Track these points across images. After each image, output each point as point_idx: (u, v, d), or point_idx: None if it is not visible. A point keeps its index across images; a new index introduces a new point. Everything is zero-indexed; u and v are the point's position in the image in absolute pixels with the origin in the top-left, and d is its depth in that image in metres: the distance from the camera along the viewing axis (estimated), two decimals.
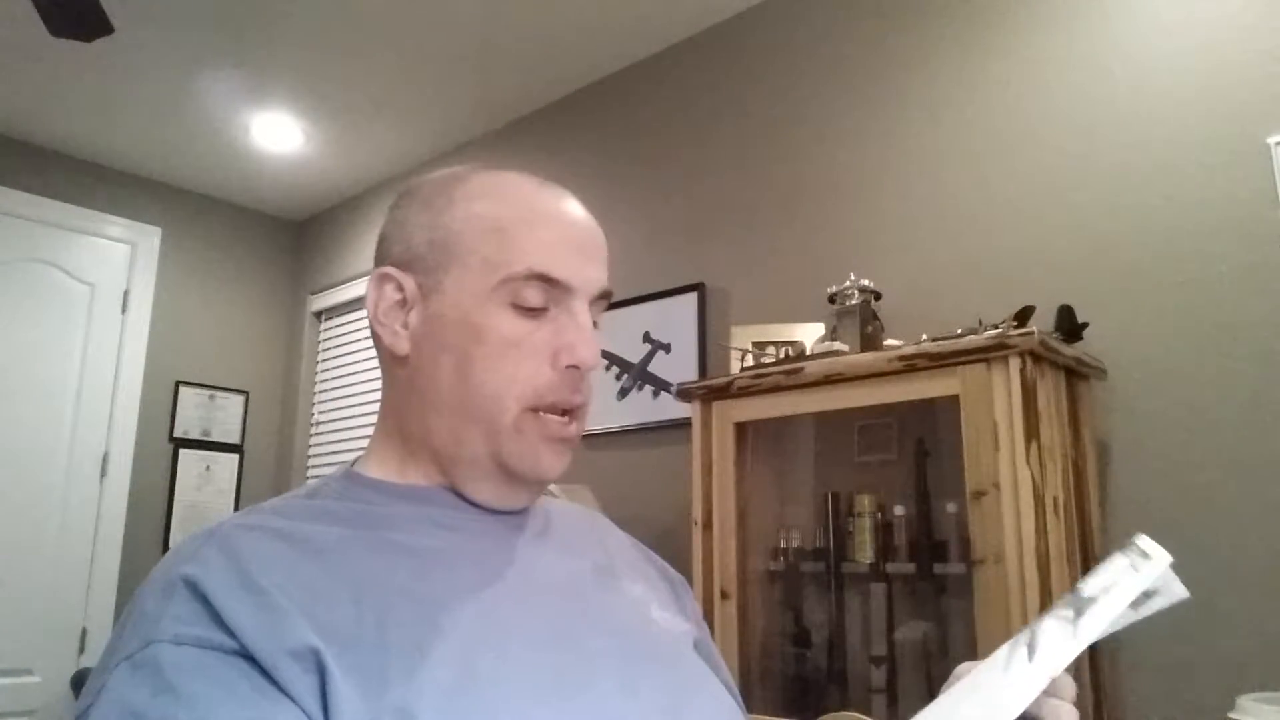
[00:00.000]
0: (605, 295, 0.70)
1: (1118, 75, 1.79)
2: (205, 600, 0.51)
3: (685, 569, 0.86)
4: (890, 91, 2.15)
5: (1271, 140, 1.58)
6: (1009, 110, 1.94)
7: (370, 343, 0.72)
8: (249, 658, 0.49)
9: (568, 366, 0.65)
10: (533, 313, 0.65)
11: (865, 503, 1.78)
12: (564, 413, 0.66)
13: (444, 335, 0.65)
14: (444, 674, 0.52)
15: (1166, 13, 1.75)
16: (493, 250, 0.65)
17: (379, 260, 0.70)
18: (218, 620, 0.50)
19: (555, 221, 0.67)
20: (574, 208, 0.69)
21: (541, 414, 0.65)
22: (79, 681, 3.00)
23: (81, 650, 3.20)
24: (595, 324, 0.68)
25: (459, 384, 0.64)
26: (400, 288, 0.67)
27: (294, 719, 0.48)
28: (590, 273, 0.67)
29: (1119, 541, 0.59)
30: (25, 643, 3.08)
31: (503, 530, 0.67)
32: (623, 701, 0.58)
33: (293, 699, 0.49)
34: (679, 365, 2.43)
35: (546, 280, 0.65)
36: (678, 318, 2.47)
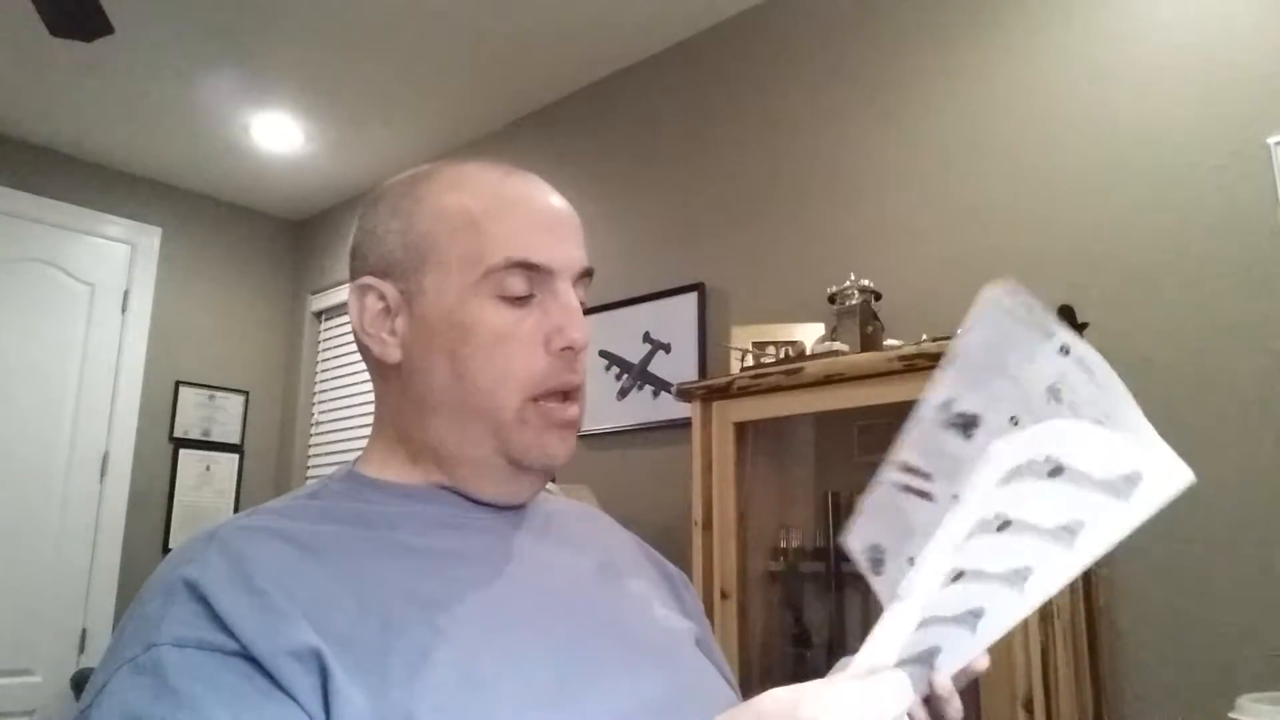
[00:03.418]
0: (588, 273, 0.69)
1: (1118, 75, 1.79)
2: (206, 602, 0.51)
3: (685, 569, 0.86)
4: (890, 92, 2.15)
5: (1271, 140, 1.58)
6: (1009, 110, 1.94)
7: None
8: (250, 659, 0.49)
9: (562, 349, 0.64)
10: (519, 301, 0.64)
11: None
12: (564, 396, 0.66)
13: (433, 338, 0.64)
14: (445, 677, 0.52)
15: (1166, 12, 1.75)
16: (468, 245, 0.64)
17: (355, 272, 0.69)
18: (218, 622, 0.50)
19: (525, 206, 0.66)
20: (542, 190, 0.68)
21: (542, 402, 0.64)
22: (79, 681, 3.00)
23: (81, 650, 3.20)
24: (582, 303, 0.68)
25: (455, 384, 0.64)
26: (382, 296, 0.66)
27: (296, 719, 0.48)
28: (569, 252, 0.67)
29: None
30: (25, 643, 3.08)
31: (505, 529, 0.67)
32: (624, 703, 0.58)
33: (295, 699, 0.49)
34: (679, 365, 2.43)
35: (527, 267, 0.64)
36: (678, 318, 2.47)
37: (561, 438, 0.66)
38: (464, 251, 0.64)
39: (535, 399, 0.64)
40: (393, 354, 0.66)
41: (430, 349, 0.64)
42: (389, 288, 0.66)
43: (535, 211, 0.66)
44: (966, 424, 0.51)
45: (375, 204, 0.70)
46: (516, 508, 0.70)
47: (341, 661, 0.50)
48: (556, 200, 0.68)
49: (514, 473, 0.66)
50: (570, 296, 0.66)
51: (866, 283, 1.87)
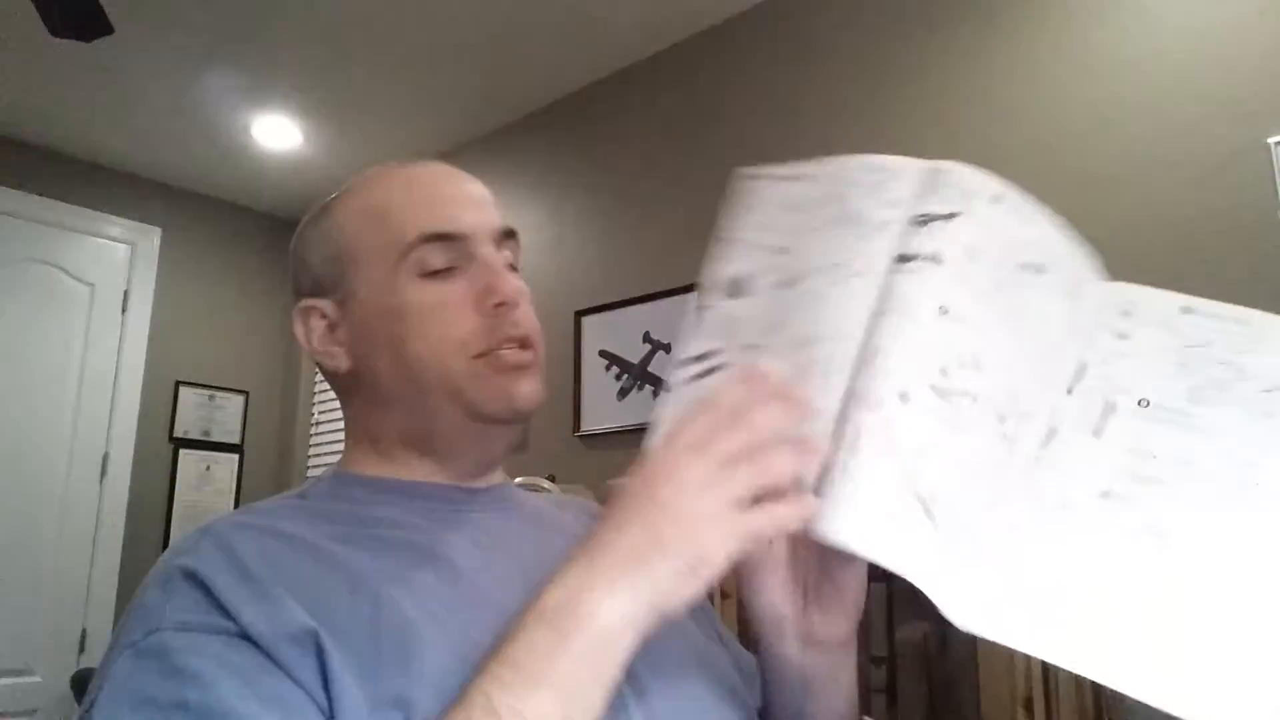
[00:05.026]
0: (510, 234, 0.70)
1: (1118, 75, 1.79)
2: (205, 589, 0.52)
3: None
4: (889, 92, 2.15)
5: (1271, 140, 1.58)
6: (1009, 111, 1.94)
7: None
8: (251, 641, 0.50)
9: (495, 306, 0.65)
10: (444, 274, 0.65)
11: None
12: (516, 344, 0.66)
13: (373, 333, 0.66)
14: (440, 661, 0.52)
15: (1166, 13, 1.75)
16: (379, 235, 0.66)
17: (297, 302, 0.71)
18: (219, 606, 0.51)
19: (427, 185, 0.68)
20: (444, 170, 0.70)
21: (491, 353, 0.65)
22: (79, 682, 3.00)
23: (81, 650, 3.20)
24: (515, 266, 0.69)
25: (398, 365, 0.65)
26: (323, 315, 0.69)
27: (299, 697, 0.49)
28: (479, 216, 0.68)
29: None
30: (25, 643, 3.08)
31: (493, 518, 0.68)
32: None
33: (296, 681, 0.49)
34: None
35: (440, 237, 0.65)
36: (678, 318, 2.46)
37: (517, 379, 0.65)
38: (377, 242, 0.66)
39: (482, 355, 0.64)
40: (343, 363, 0.68)
41: (374, 345, 0.66)
42: (325, 304, 0.69)
43: (436, 187, 0.68)
44: (737, 287, 0.53)
45: (300, 235, 0.73)
46: (493, 481, 0.71)
47: (337, 646, 0.50)
48: (457, 174, 0.70)
49: (483, 429, 0.66)
50: (492, 257, 0.67)
51: None
